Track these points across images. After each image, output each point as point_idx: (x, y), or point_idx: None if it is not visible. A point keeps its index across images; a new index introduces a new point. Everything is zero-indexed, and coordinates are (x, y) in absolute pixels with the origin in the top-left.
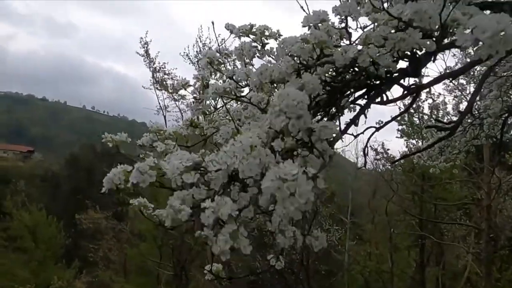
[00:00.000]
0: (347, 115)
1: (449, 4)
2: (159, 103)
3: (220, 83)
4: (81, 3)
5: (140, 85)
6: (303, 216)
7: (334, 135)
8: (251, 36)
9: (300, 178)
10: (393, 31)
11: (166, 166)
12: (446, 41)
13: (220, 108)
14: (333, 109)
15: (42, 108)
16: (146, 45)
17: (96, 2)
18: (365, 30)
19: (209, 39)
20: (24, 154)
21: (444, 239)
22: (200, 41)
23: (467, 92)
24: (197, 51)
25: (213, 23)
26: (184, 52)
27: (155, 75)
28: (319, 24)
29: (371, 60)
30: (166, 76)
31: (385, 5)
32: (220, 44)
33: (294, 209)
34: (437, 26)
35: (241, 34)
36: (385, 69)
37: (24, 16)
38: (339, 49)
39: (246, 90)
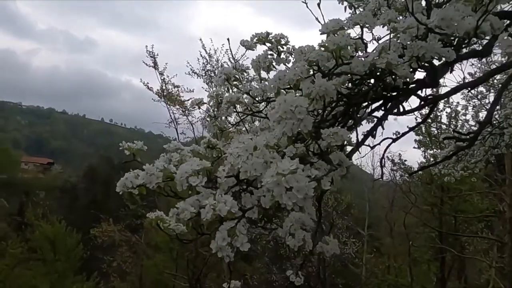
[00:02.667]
0: (363, 127)
1: (473, 13)
2: (170, 116)
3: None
4: (99, 20)
5: (156, 98)
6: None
7: (346, 142)
8: (267, 44)
9: (298, 174)
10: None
11: (176, 170)
12: (464, 50)
13: (236, 125)
14: (350, 121)
15: (62, 121)
16: (153, 58)
17: (113, 18)
18: (380, 41)
19: (214, 50)
20: (44, 166)
21: (465, 252)
22: (206, 52)
23: (486, 100)
24: (203, 63)
25: (228, 40)
26: (189, 67)
27: (164, 88)
28: (337, 32)
29: (389, 70)
30: (174, 89)
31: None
32: (231, 57)
33: (292, 204)
34: (462, 33)
35: (257, 41)
36: (403, 80)
37: (44, 32)
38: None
39: (262, 105)
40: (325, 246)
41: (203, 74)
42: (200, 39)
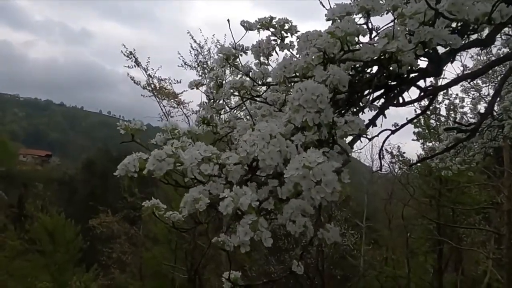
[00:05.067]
0: (364, 116)
1: None
2: (162, 110)
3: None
4: (95, 11)
5: (146, 94)
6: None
7: (360, 130)
8: (271, 29)
9: (325, 167)
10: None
11: (184, 155)
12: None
13: (235, 109)
14: (352, 109)
15: (60, 113)
16: (134, 57)
17: (110, 10)
18: (379, 31)
19: (205, 41)
20: (42, 158)
21: (463, 244)
22: (196, 43)
23: (484, 92)
24: (195, 54)
25: (228, 21)
26: (181, 60)
27: (150, 82)
28: (344, 18)
29: (395, 57)
30: (161, 82)
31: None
32: (231, 39)
33: (320, 199)
34: (473, 19)
35: (260, 27)
36: (407, 68)
37: (40, 24)
38: (361, 45)
39: (262, 89)
40: (326, 233)
41: (196, 66)
42: (189, 32)
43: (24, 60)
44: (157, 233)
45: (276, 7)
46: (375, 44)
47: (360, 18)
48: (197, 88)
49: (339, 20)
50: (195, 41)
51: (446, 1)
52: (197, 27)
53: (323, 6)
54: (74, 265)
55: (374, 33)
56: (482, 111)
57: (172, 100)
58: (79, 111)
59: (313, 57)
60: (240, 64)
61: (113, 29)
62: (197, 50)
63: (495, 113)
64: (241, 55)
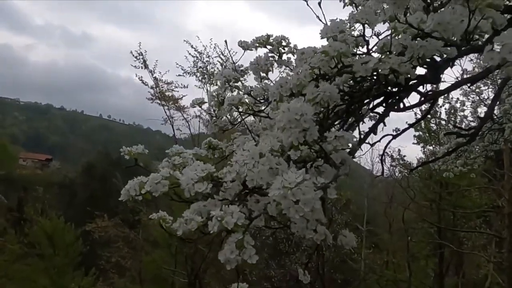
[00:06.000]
0: (364, 123)
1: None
2: (165, 113)
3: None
4: (95, 15)
5: (150, 97)
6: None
7: (350, 144)
8: (268, 47)
9: (305, 186)
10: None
11: (181, 176)
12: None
13: (238, 125)
14: (352, 118)
15: (60, 117)
16: (142, 58)
17: (110, 13)
18: (380, 37)
19: (204, 47)
20: (42, 162)
21: (464, 248)
22: (195, 50)
23: (484, 96)
24: (194, 61)
25: (226, 42)
26: (180, 68)
27: (156, 85)
28: (338, 35)
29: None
30: (167, 86)
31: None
32: (230, 59)
33: (300, 217)
34: (459, 37)
35: (257, 45)
36: (404, 77)
37: (40, 27)
38: (357, 58)
39: (263, 106)
40: (344, 238)
41: (195, 71)
42: (186, 41)
43: (24, 64)
44: (157, 237)
45: (276, 6)
46: (370, 60)
47: (359, 27)
48: (200, 107)
49: (332, 39)
50: (195, 50)
51: (432, 21)
52: (197, 29)
53: (320, 20)
54: (74, 268)
55: (375, 38)
56: (482, 114)
57: (172, 105)
58: (79, 114)
59: (304, 74)
60: (242, 84)
61: (114, 33)
62: (197, 56)
63: (495, 117)
64: (243, 76)
